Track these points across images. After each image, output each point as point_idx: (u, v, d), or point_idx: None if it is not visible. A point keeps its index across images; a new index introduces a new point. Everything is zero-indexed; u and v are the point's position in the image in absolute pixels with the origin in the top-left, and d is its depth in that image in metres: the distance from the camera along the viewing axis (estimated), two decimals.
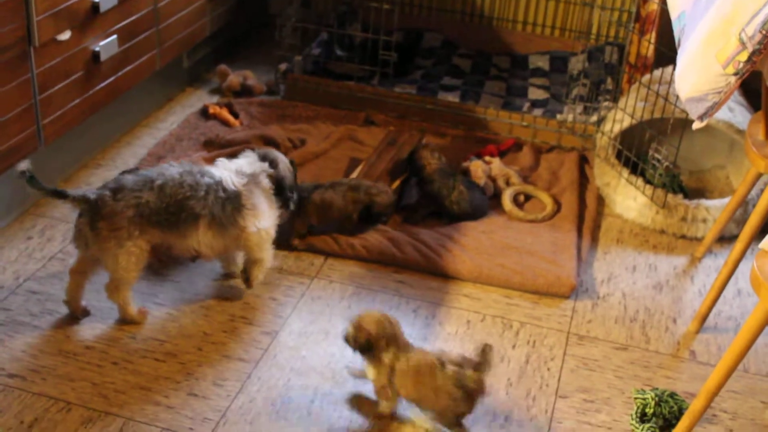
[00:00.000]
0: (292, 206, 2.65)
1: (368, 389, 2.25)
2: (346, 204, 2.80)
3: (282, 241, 2.70)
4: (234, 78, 3.74)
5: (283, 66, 3.73)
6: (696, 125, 2.22)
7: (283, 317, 2.51)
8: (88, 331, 2.40)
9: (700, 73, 2.12)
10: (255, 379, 2.28)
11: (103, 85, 3.04)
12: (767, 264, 1.81)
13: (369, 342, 2.16)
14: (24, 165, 2.25)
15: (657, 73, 3.08)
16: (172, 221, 2.37)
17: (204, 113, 3.54)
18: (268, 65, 3.95)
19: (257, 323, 2.48)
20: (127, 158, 3.24)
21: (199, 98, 3.72)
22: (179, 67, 3.71)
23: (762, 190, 2.84)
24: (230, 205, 2.44)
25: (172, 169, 2.41)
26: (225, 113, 3.49)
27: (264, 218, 2.51)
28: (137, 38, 3.17)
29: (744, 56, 2.02)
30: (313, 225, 2.83)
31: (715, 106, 2.14)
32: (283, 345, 2.41)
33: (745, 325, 1.86)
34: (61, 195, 2.31)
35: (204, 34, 3.70)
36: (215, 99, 3.71)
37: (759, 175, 2.46)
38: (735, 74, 2.05)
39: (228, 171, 2.49)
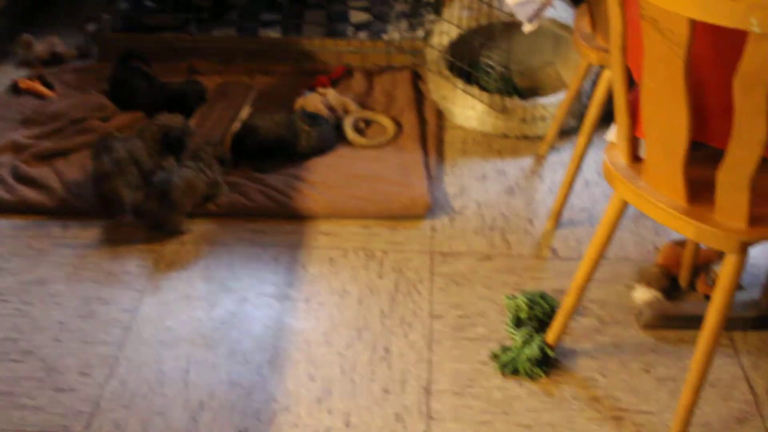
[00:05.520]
0: None
1: (243, 347, 2.20)
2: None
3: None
4: (40, 47, 3.50)
5: (91, 26, 3.51)
6: (526, 28, 2.22)
7: (139, 290, 2.40)
8: None
9: None
10: (123, 361, 2.18)
11: None
12: (617, 156, 1.82)
13: None
14: None
15: None
16: None
17: (15, 89, 3.31)
18: (76, 28, 3.72)
19: (114, 301, 2.36)
20: None
21: (6, 74, 3.47)
22: None
23: (594, 82, 2.89)
24: None
25: None
26: (37, 86, 3.27)
27: None
28: None
29: None
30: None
31: (543, 7, 2.14)
32: (146, 319, 2.30)
33: (604, 218, 1.88)
34: None
35: None
36: (24, 72, 3.47)
37: (590, 67, 2.49)
38: None
39: None
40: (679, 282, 2.33)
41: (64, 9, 3.94)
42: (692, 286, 2.33)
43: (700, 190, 1.67)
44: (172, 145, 2.74)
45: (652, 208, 1.71)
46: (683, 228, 1.67)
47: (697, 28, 1.43)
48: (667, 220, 1.69)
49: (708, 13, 1.35)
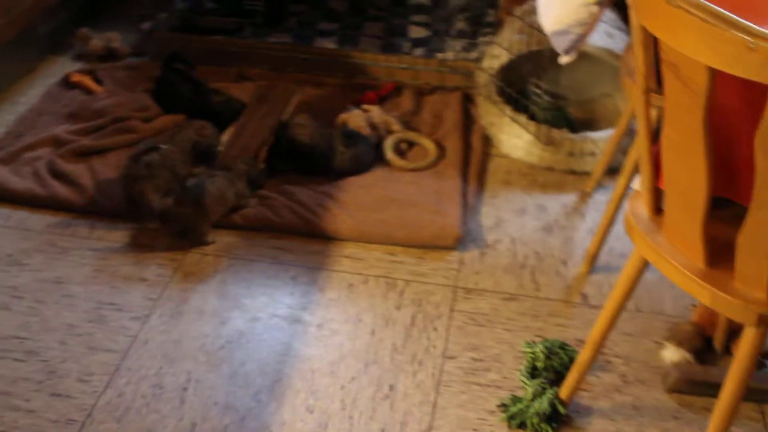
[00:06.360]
0: None
1: (246, 369, 2.11)
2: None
3: None
4: (96, 41, 3.49)
5: (146, 25, 3.49)
6: (563, 59, 2.09)
7: (153, 299, 2.34)
8: None
9: (562, 5, 1.99)
10: (124, 371, 2.12)
11: None
12: (640, 206, 1.69)
13: None
14: None
15: (533, 3, 2.93)
16: None
17: (66, 82, 3.31)
18: (135, 25, 3.71)
19: (126, 308, 2.31)
20: None
21: (62, 66, 3.47)
22: (35, 33, 3.44)
23: None
24: None
25: None
26: (87, 81, 3.26)
27: None
28: None
29: None
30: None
31: (581, 39, 2.01)
32: (154, 330, 2.24)
33: (622, 273, 1.74)
34: None
35: None
36: (80, 66, 3.47)
37: None
38: (597, 3, 1.92)
39: None
40: (713, 344, 2.16)
41: (126, 5, 3.93)
42: (727, 349, 2.16)
43: (721, 253, 1.52)
44: (200, 154, 2.69)
45: (667, 266, 1.57)
46: (699, 293, 1.52)
47: (723, 77, 1.29)
48: (682, 281, 1.55)
49: (725, 62, 1.22)
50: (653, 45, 1.46)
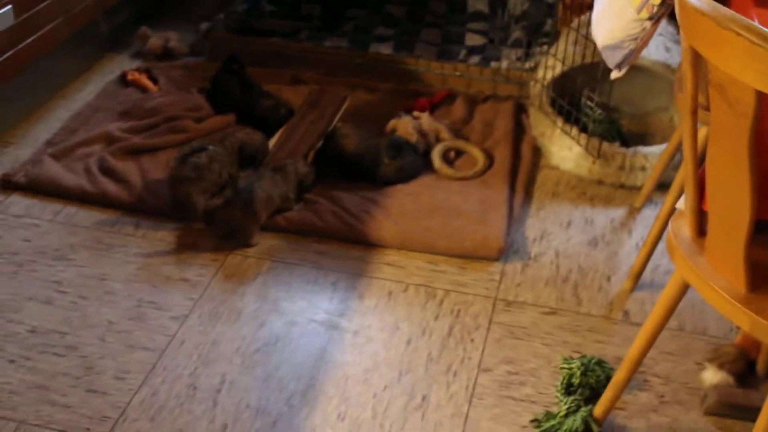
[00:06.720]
0: None
1: (280, 373, 2.11)
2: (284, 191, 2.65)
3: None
4: (155, 40, 3.53)
5: (204, 25, 3.52)
6: (614, 74, 2.05)
7: (193, 299, 2.35)
8: None
9: (614, 19, 1.95)
10: (159, 370, 2.13)
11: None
12: (683, 226, 1.64)
13: None
14: None
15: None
16: None
17: (123, 80, 3.35)
18: (194, 25, 3.74)
19: (166, 307, 2.32)
20: (39, 134, 3.05)
21: (120, 64, 3.52)
22: (96, 31, 3.50)
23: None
24: None
25: None
26: (143, 79, 3.29)
27: None
28: (37, 7, 2.96)
29: None
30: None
31: (633, 54, 1.97)
32: (192, 330, 2.25)
33: (662, 295, 1.70)
34: None
35: None
36: (137, 64, 3.51)
37: None
38: (650, 19, 1.88)
39: None
40: (756, 368, 2.10)
41: (187, 5, 3.97)
42: None
43: (764, 278, 1.48)
44: (247, 158, 2.70)
45: (707, 290, 1.53)
46: (738, 318, 1.48)
47: None
48: (722, 306, 1.50)
49: None
50: (703, 65, 1.42)
